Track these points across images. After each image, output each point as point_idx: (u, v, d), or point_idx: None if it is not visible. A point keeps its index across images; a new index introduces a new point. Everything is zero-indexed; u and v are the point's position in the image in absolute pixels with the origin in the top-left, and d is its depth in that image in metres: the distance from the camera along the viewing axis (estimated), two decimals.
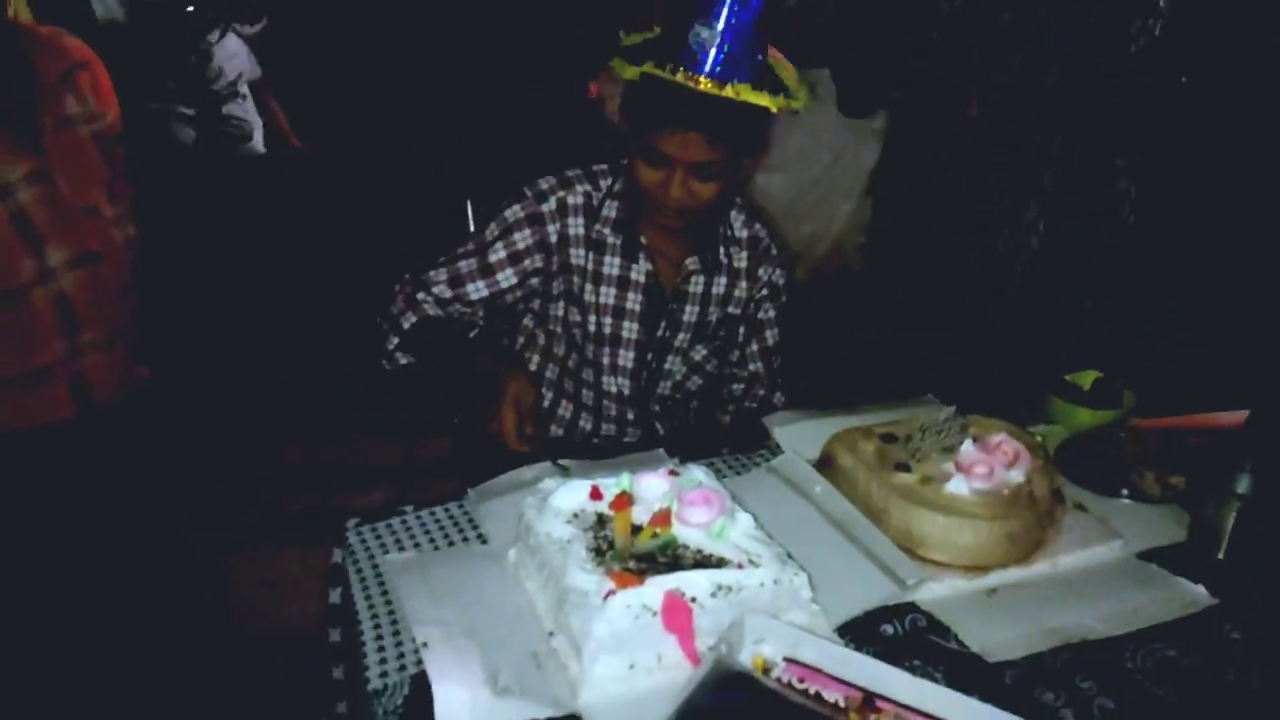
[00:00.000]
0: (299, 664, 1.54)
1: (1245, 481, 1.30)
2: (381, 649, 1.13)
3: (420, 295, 1.66)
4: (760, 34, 1.48)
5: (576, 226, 1.70)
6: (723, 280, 1.77)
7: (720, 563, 1.13)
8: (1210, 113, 2.57)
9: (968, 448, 1.37)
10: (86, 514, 1.73)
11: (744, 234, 1.79)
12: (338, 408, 3.48)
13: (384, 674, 1.09)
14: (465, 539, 1.32)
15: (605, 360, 1.76)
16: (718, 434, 1.84)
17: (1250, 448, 1.32)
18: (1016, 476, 1.34)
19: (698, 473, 1.28)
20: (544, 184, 1.70)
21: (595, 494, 1.23)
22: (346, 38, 5.23)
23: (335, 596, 1.29)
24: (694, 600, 1.07)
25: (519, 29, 4.42)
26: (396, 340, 1.65)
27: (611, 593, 1.04)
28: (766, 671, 1.04)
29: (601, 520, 1.20)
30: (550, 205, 1.68)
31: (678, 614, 1.06)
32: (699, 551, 1.15)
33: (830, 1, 2.97)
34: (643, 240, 1.70)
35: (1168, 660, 1.15)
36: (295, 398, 3.55)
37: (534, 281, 1.72)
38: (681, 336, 1.78)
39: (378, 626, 1.16)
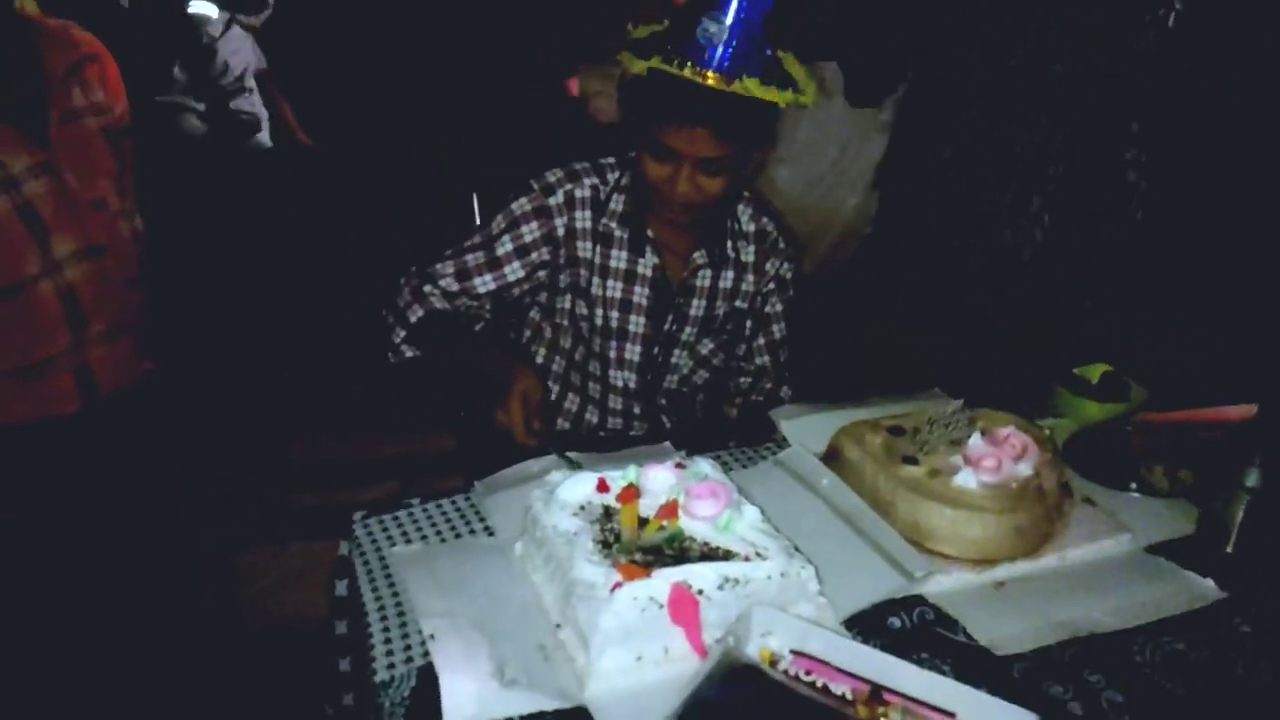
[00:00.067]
0: (305, 656, 1.54)
1: (1254, 475, 1.29)
2: (388, 641, 1.13)
3: (427, 288, 1.66)
4: (769, 28, 1.47)
5: (584, 220, 1.69)
6: (730, 274, 1.77)
7: (727, 555, 1.13)
8: (1213, 110, 2.56)
9: (976, 441, 1.37)
10: (92, 507, 1.74)
11: (751, 227, 1.78)
12: (339, 406, 3.48)
13: (391, 666, 1.09)
14: (472, 531, 1.32)
15: (612, 354, 1.76)
16: (724, 427, 1.83)
17: (1260, 441, 1.32)
18: (1025, 470, 1.33)
19: (704, 465, 1.27)
20: (551, 177, 1.70)
21: (602, 486, 1.23)
22: (347, 34, 5.23)
23: (342, 589, 1.29)
24: (701, 593, 1.07)
25: (517, 28, 4.41)
26: (403, 333, 1.64)
27: (618, 585, 1.04)
28: (774, 664, 1.04)
29: (608, 513, 1.20)
30: (557, 198, 1.68)
31: (685, 606, 1.06)
32: (706, 544, 1.15)
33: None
34: (650, 234, 1.70)
35: (1177, 654, 1.15)
36: (298, 395, 3.55)
37: (541, 274, 1.72)
38: (688, 330, 1.78)
39: (385, 618, 1.16)
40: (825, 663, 1.03)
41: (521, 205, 1.67)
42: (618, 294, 1.72)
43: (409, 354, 1.65)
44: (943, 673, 1.06)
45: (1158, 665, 1.13)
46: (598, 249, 1.70)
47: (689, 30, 1.46)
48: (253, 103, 3.88)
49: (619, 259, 1.71)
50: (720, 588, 1.08)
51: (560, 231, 1.69)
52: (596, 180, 1.70)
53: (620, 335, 1.75)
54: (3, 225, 1.51)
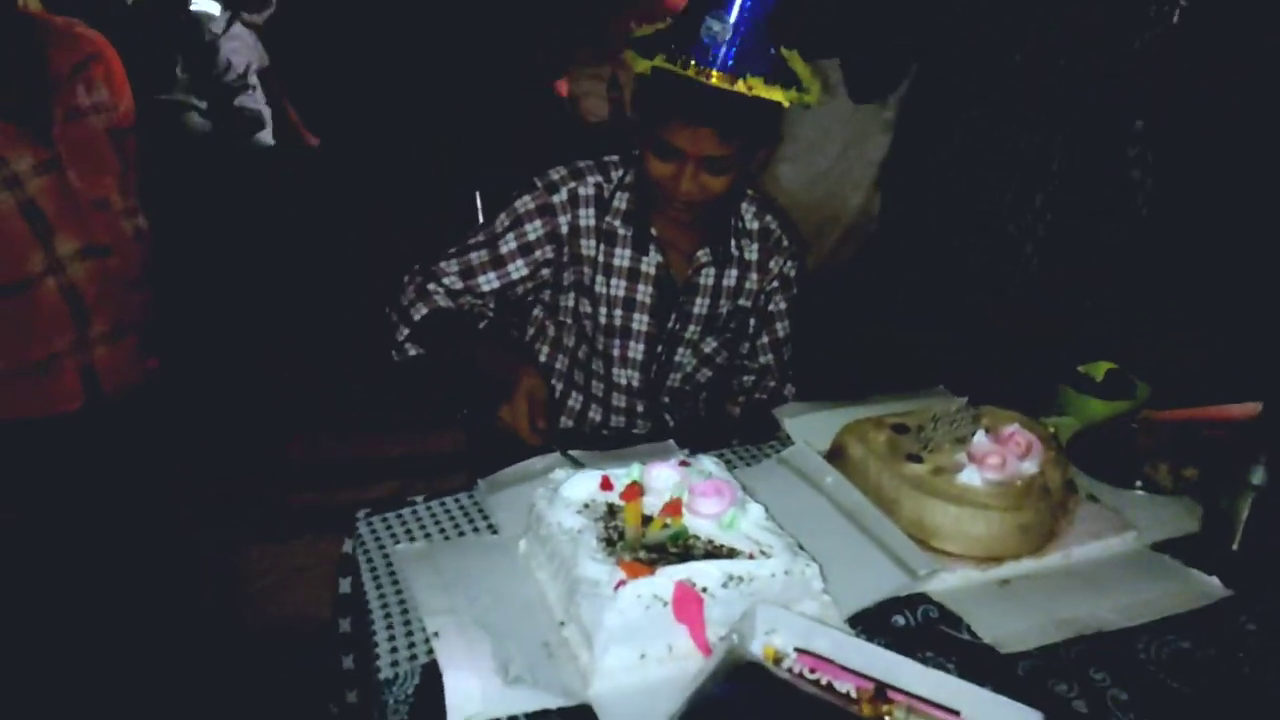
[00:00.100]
0: (308, 655, 1.54)
1: (1260, 472, 1.29)
2: (392, 638, 1.13)
3: (431, 286, 1.65)
4: (773, 26, 1.47)
5: (587, 218, 1.69)
6: (734, 272, 1.77)
7: (731, 553, 1.13)
8: (1214, 109, 2.56)
9: (980, 438, 1.36)
10: (94, 505, 1.74)
11: (755, 225, 1.78)
12: (339, 406, 3.49)
13: (395, 663, 1.09)
14: (476, 529, 1.32)
15: (615, 352, 1.76)
16: (728, 425, 1.83)
17: (1265, 439, 1.32)
18: (1029, 467, 1.33)
19: (708, 463, 1.27)
20: (555, 174, 1.69)
21: (606, 484, 1.23)
22: (350, 32, 5.24)
23: (345, 586, 1.29)
24: (705, 591, 1.07)
25: (517, 28, 4.42)
26: (406, 332, 1.64)
27: (622, 583, 1.04)
28: (778, 662, 1.04)
29: (612, 510, 1.20)
30: (561, 196, 1.68)
31: (689, 604, 1.06)
32: (710, 542, 1.15)
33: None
34: (653, 232, 1.70)
35: (1182, 652, 1.15)
36: (298, 395, 3.56)
37: (545, 272, 1.72)
38: (692, 329, 1.78)
39: (388, 616, 1.16)
40: (829, 661, 1.03)
41: (525, 203, 1.67)
42: (621, 292, 1.72)
43: (412, 352, 1.65)
44: (947, 671, 1.06)
45: (1163, 663, 1.13)
46: (601, 247, 1.70)
47: (693, 29, 1.45)
48: (256, 100, 3.88)
49: (623, 257, 1.71)
50: (724, 585, 1.08)
51: (564, 229, 1.68)
52: (600, 178, 1.70)
53: (624, 333, 1.75)
54: (6, 223, 1.51)
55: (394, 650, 1.11)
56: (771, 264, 1.79)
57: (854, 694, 1.00)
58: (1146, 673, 1.12)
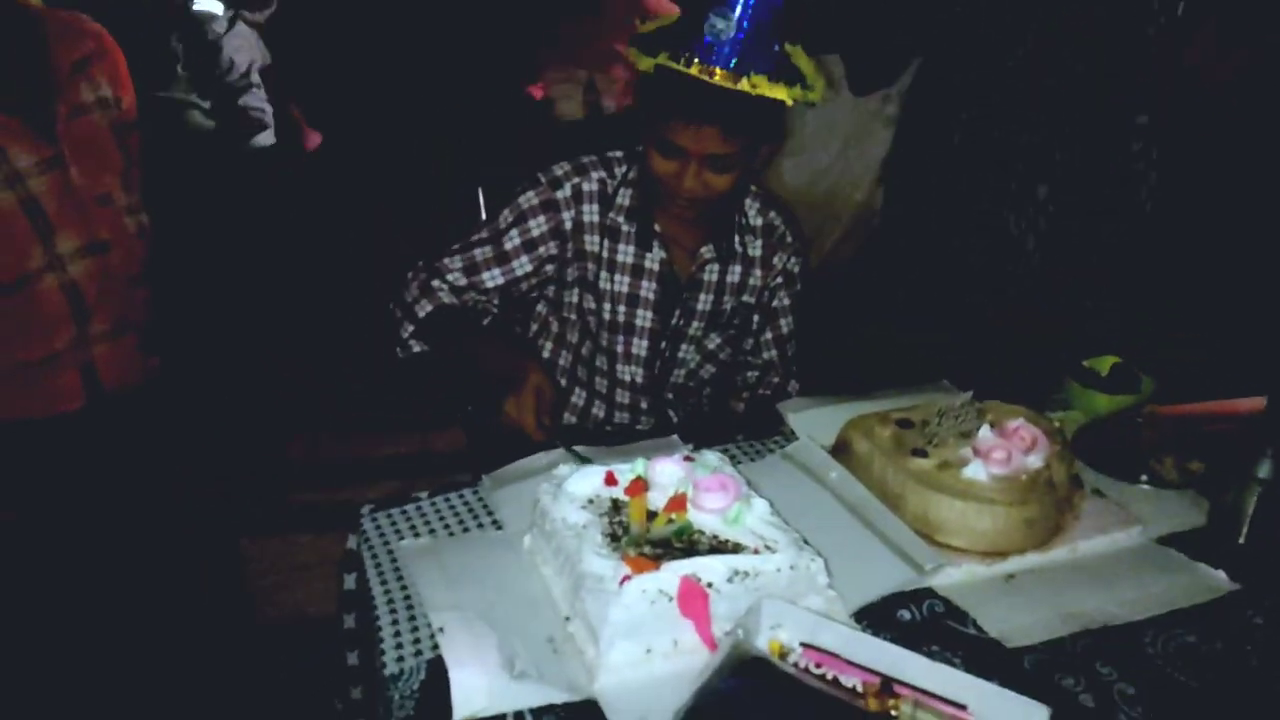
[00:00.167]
0: (312, 651, 1.54)
1: (1266, 466, 1.29)
2: (398, 634, 1.13)
3: (435, 283, 1.65)
4: (778, 23, 1.46)
5: (591, 213, 1.69)
6: (737, 268, 1.76)
7: (736, 548, 1.13)
8: (1214, 109, 2.55)
9: (985, 433, 1.36)
10: (95, 504, 1.74)
11: (759, 222, 1.77)
12: (339, 406, 3.49)
13: (400, 659, 1.09)
14: (480, 525, 1.32)
15: (619, 348, 1.76)
16: (731, 421, 1.83)
17: (1271, 432, 1.31)
18: (1035, 462, 1.33)
19: (713, 458, 1.27)
20: (558, 170, 1.69)
21: (610, 479, 1.23)
22: (351, 30, 5.23)
23: (350, 582, 1.29)
24: (710, 585, 1.07)
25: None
26: (411, 329, 1.64)
27: (627, 578, 1.04)
28: (783, 657, 1.04)
29: (617, 505, 1.20)
30: (565, 192, 1.67)
31: (694, 599, 1.06)
32: (715, 537, 1.15)
33: None
34: (657, 228, 1.70)
35: (1189, 646, 1.15)
36: (298, 395, 3.56)
37: (549, 268, 1.72)
38: (696, 325, 1.77)
39: (394, 612, 1.16)
40: (835, 655, 1.03)
41: (529, 199, 1.67)
42: (625, 288, 1.72)
43: (417, 349, 1.65)
44: (953, 665, 1.06)
45: (1169, 657, 1.13)
46: (605, 243, 1.70)
47: (696, 26, 1.45)
48: (259, 99, 3.87)
49: (626, 253, 1.71)
50: (729, 580, 1.08)
51: (568, 225, 1.68)
52: (604, 174, 1.70)
53: (627, 330, 1.74)
54: (7, 220, 1.51)
55: (399, 646, 1.11)
56: (775, 260, 1.79)
57: (860, 688, 0.99)
58: (1153, 667, 1.11)
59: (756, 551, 1.12)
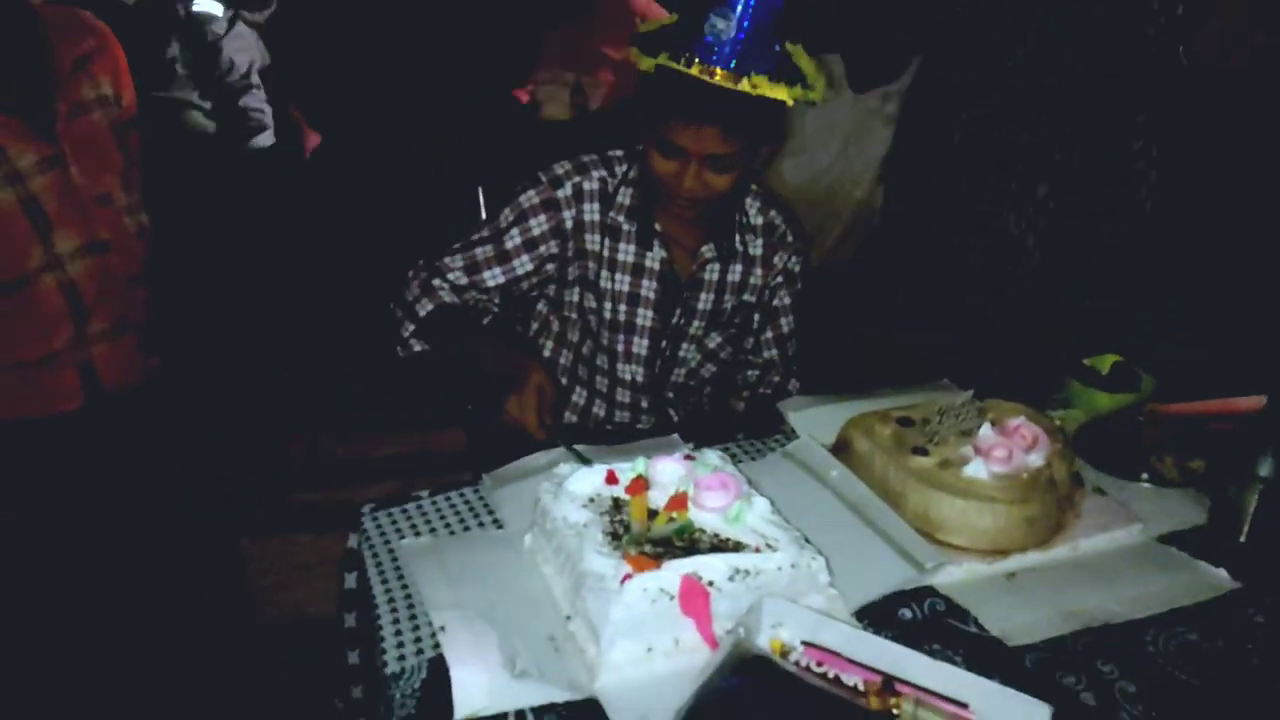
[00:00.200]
0: (312, 651, 1.54)
1: (1267, 464, 1.29)
2: (399, 633, 1.13)
3: (436, 282, 1.65)
4: (778, 23, 1.46)
5: (592, 212, 1.69)
6: (738, 268, 1.76)
7: (737, 547, 1.13)
8: (1214, 109, 2.55)
9: (986, 431, 1.36)
10: (95, 504, 1.74)
11: (759, 221, 1.77)
12: (339, 406, 3.49)
13: (401, 657, 1.09)
14: (481, 524, 1.32)
15: (620, 347, 1.76)
16: (732, 420, 1.83)
17: (1272, 430, 1.31)
18: (1036, 460, 1.33)
19: (713, 457, 1.27)
20: (559, 169, 1.69)
21: (611, 478, 1.23)
22: (351, 30, 5.23)
23: (351, 581, 1.29)
24: (711, 584, 1.07)
25: (511, 29, 4.43)
26: (412, 327, 1.64)
27: (628, 576, 1.04)
28: (785, 655, 1.04)
29: (617, 504, 1.20)
30: (566, 191, 1.67)
31: (695, 598, 1.06)
32: (715, 536, 1.15)
33: None
34: (658, 227, 1.69)
35: (1190, 644, 1.15)
36: (298, 395, 3.56)
37: (550, 267, 1.72)
38: (696, 324, 1.77)
39: (394, 610, 1.16)
40: (837, 654, 1.03)
41: (530, 198, 1.67)
42: (625, 287, 1.72)
43: (418, 348, 1.64)
44: (955, 663, 1.06)
45: (1171, 655, 1.13)
46: (606, 242, 1.70)
47: (697, 26, 1.44)
48: (259, 100, 3.87)
49: (627, 252, 1.70)
50: (730, 579, 1.08)
51: (568, 224, 1.68)
52: (604, 173, 1.70)
53: (628, 329, 1.74)
54: (7, 220, 1.51)
55: (400, 645, 1.11)
56: (776, 259, 1.78)
57: (861, 687, 0.99)
58: (1154, 665, 1.11)
59: (758, 550, 1.12)
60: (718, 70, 1.44)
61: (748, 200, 1.76)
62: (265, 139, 3.92)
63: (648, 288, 1.72)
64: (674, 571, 1.05)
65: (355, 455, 3.21)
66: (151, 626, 1.91)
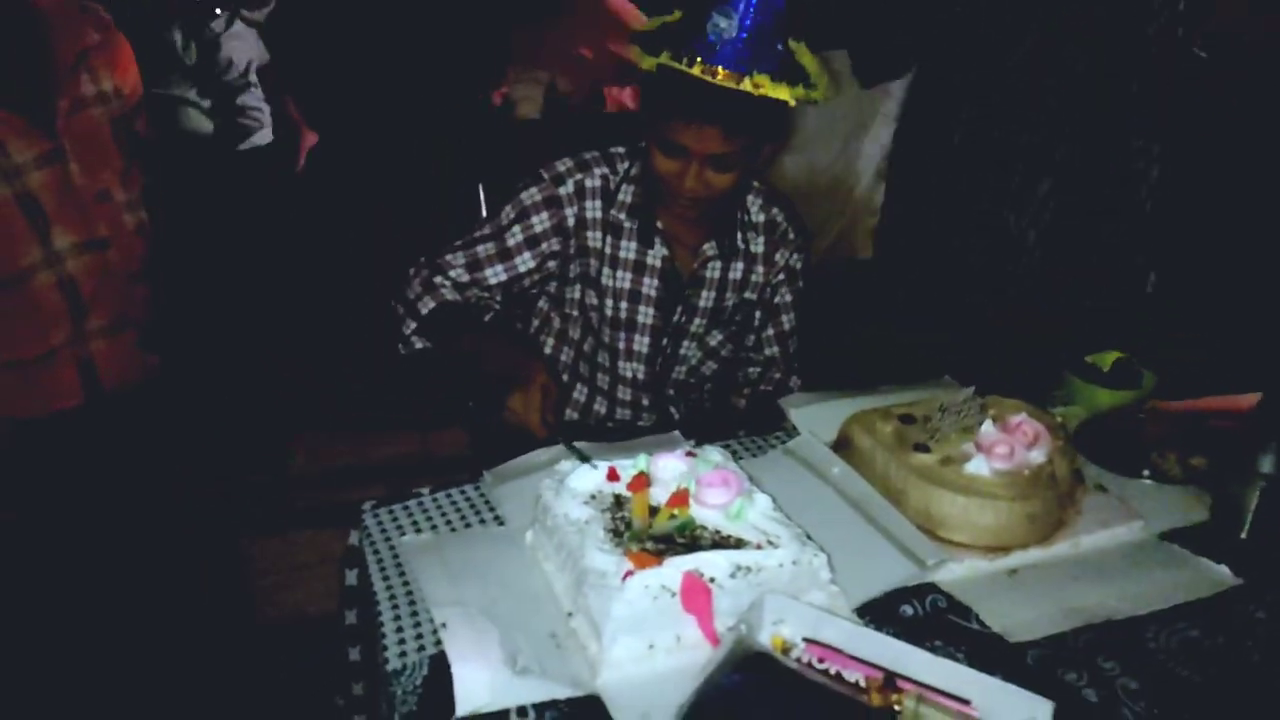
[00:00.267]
0: (312, 650, 1.54)
1: (1269, 461, 1.29)
2: (400, 630, 1.12)
3: (438, 279, 1.65)
4: (781, 23, 1.45)
5: (594, 210, 1.68)
6: (740, 265, 1.76)
7: (739, 544, 1.13)
8: (1214, 109, 2.55)
9: (988, 428, 1.36)
10: (95, 503, 1.73)
11: (761, 218, 1.77)
12: (339, 406, 3.49)
13: (403, 654, 1.09)
14: (482, 521, 1.32)
15: (621, 345, 1.76)
16: (733, 417, 1.83)
17: (1274, 427, 1.31)
18: (1037, 457, 1.33)
19: (715, 454, 1.27)
20: (561, 166, 1.69)
21: (612, 475, 1.23)
22: (350, 28, 5.23)
23: (352, 578, 1.29)
24: (713, 581, 1.07)
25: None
26: (414, 325, 1.63)
27: (630, 573, 1.04)
28: (786, 652, 1.03)
29: (619, 501, 1.20)
30: (568, 188, 1.67)
31: (697, 595, 1.05)
32: (717, 532, 1.15)
33: None
34: (659, 225, 1.69)
35: (1191, 641, 1.14)
36: (298, 395, 3.56)
37: (551, 265, 1.71)
38: (698, 322, 1.77)
39: (396, 608, 1.16)
40: (838, 650, 1.03)
41: (531, 195, 1.66)
42: (627, 285, 1.72)
43: (419, 345, 1.64)
44: (956, 660, 1.05)
45: (1172, 652, 1.13)
46: (607, 239, 1.70)
47: (699, 24, 1.44)
48: (257, 98, 3.87)
49: (628, 249, 1.70)
50: (732, 576, 1.08)
51: (570, 221, 1.68)
52: (606, 170, 1.69)
53: (629, 326, 1.74)
54: (3, 216, 1.50)
55: (402, 641, 1.11)
56: (778, 256, 1.78)
57: (863, 683, 0.99)
58: (1156, 661, 1.11)
59: (759, 547, 1.12)
60: (720, 70, 1.43)
61: (749, 197, 1.76)
62: (263, 137, 3.92)
63: (649, 285, 1.72)
64: (675, 568, 1.05)
65: (355, 455, 3.21)
66: (152, 626, 1.91)
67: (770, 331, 1.84)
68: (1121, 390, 1.66)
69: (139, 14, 3.31)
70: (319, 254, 4.38)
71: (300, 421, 3.38)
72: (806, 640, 1.04)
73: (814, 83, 1.50)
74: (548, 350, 1.82)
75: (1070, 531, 1.31)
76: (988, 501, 1.27)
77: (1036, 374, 1.70)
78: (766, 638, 1.04)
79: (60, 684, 1.77)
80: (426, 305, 1.63)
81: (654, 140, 1.55)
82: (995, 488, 1.28)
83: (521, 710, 1.00)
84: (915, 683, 0.99)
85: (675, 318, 1.75)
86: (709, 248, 1.72)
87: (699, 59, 1.43)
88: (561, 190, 1.66)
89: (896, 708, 0.97)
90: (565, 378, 1.82)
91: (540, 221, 1.66)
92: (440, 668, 1.04)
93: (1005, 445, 1.32)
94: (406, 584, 1.19)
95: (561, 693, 1.01)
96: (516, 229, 1.66)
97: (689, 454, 1.25)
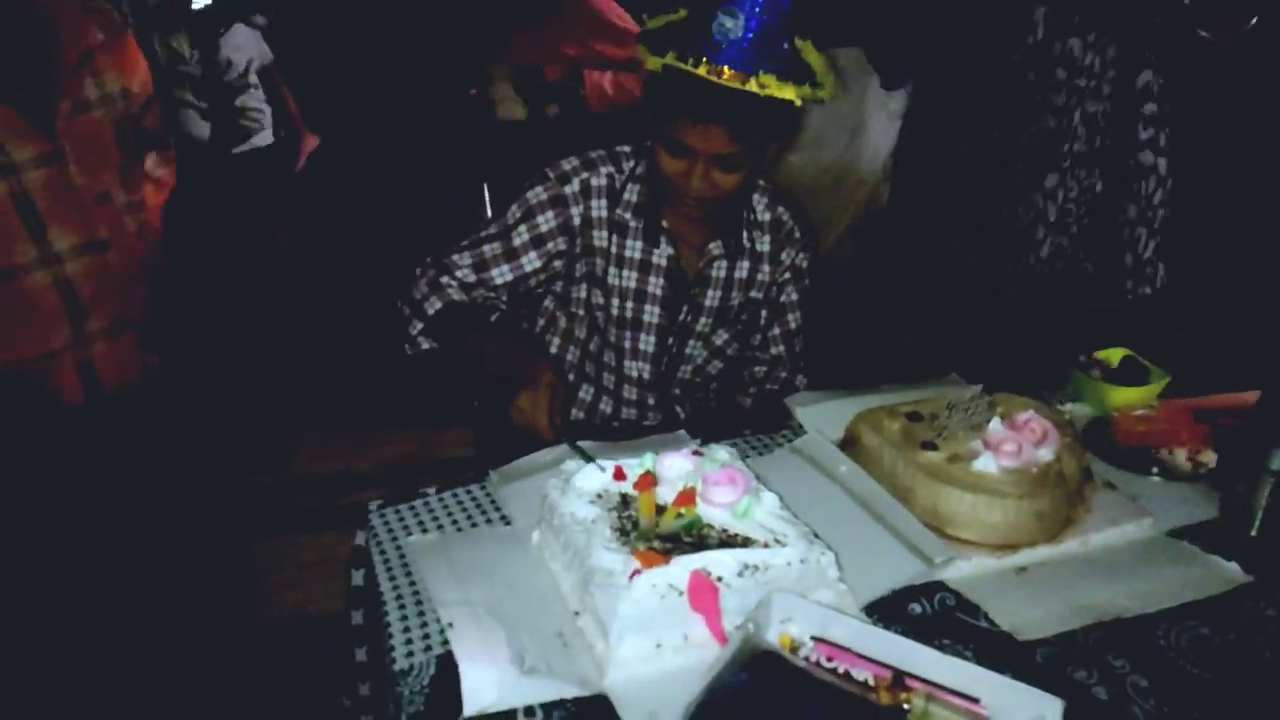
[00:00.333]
0: (315, 649, 1.53)
1: (1279, 458, 1.28)
2: (407, 630, 1.12)
3: (444, 279, 1.64)
4: (787, 21, 1.44)
5: (599, 209, 1.68)
6: (745, 264, 1.75)
7: (746, 542, 1.12)
8: (1214, 109, 2.55)
9: (995, 425, 1.35)
10: (95, 502, 1.73)
11: (767, 217, 1.76)
12: (339, 406, 3.49)
13: (410, 654, 1.09)
14: (488, 520, 1.32)
15: (626, 344, 1.75)
16: (739, 415, 1.82)
17: (1274, 425, 1.30)
18: (1045, 454, 1.32)
19: (721, 452, 1.26)
20: (566, 165, 1.68)
21: (619, 474, 1.22)
22: (352, 28, 5.23)
23: (358, 578, 1.29)
24: (720, 580, 1.06)
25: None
26: (420, 325, 1.63)
27: (637, 572, 1.03)
28: (794, 651, 1.03)
29: (625, 500, 1.19)
30: (573, 187, 1.66)
31: (704, 593, 1.05)
32: (724, 531, 1.14)
33: None
34: (664, 224, 1.68)
35: (1202, 638, 1.14)
36: (298, 395, 3.56)
37: (558, 264, 1.71)
38: (703, 321, 1.77)
39: (402, 607, 1.15)
40: (846, 649, 1.02)
41: (537, 194, 1.66)
42: (633, 284, 1.71)
43: (426, 345, 1.63)
44: (965, 658, 1.05)
45: (1183, 649, 1.12)
46: (613, 238, 1.69)
47: (705, 24, 1.43)
48: (258, 99, 3.86)
49: (634, 249, 1.70)
50: (740, 574, 1.07)
51: (576, 220, 1.67)
52: (612, 169, 1.68)
53: (635, 325, 1.73)
54: None
55: (409, 641, 1.10)
56: (783, 255, 1.78)
57: (871, 682, 0.99)
58: (1166, 659, 1.11)
59: (766, 545, 1.12)
60: (725, 70, 1.42)
61: (755, 196, 1.75)
62: (263, 139, 3.91)
63: (655, 284, 1.71)
64: (683, 567, 1.05)
65: (355, 455, 3.21)
66: (152, 626, 1.91)
67: (776, 330, 1.83)
68: (1130, 387, 1.65)
69: (138, 17, 3.31)
70: (319, 254, 4.38)
71: (300, 421, 3.38)
72: (815, 639, 1.04)
73: (820, 81, 1.49)
74: (553, 350, 1.81)
75: (1079, 529, 1.31)
76: (996, 499, 1.26)
77: (1041, 372, 1.69)
78: (774, 636, 1.04)
79: (61, 684, 1.77)
80: (433, 306, 1.62)
81: (660, 140, 1.54)
82: (1003, 485, 1.27)
83: (529, 710, 1.00)
84: (924, 681, 0.98)
85: (681, 317, 1.75)
86: (715, 247, 1.71)
87: (705, 59, 1.42)
88: (567, 189, 1.66)
89: (905, 706, 0.96)
90: (571, 377, 1.81)
91: (546, 221, 1.65)
92: (447, 668, 1.04)
93: (1013, 443, 1.32)
94: (413, 584, 1.19)
95: (569, 692, 1.01)
96: (522, 228, 1.65)
97: (695, 453, 1.25)
